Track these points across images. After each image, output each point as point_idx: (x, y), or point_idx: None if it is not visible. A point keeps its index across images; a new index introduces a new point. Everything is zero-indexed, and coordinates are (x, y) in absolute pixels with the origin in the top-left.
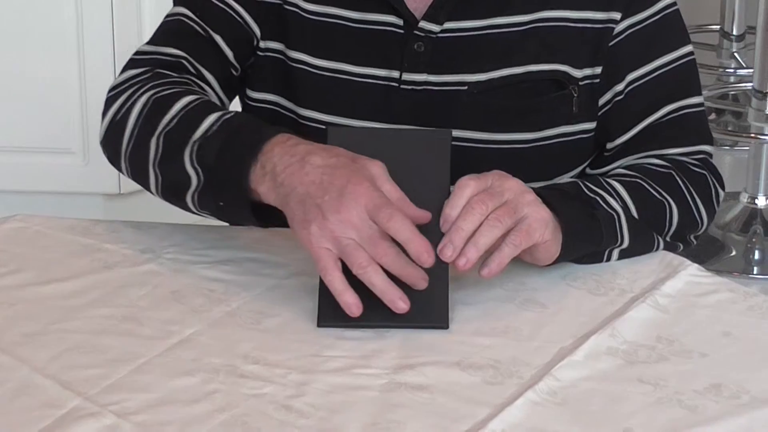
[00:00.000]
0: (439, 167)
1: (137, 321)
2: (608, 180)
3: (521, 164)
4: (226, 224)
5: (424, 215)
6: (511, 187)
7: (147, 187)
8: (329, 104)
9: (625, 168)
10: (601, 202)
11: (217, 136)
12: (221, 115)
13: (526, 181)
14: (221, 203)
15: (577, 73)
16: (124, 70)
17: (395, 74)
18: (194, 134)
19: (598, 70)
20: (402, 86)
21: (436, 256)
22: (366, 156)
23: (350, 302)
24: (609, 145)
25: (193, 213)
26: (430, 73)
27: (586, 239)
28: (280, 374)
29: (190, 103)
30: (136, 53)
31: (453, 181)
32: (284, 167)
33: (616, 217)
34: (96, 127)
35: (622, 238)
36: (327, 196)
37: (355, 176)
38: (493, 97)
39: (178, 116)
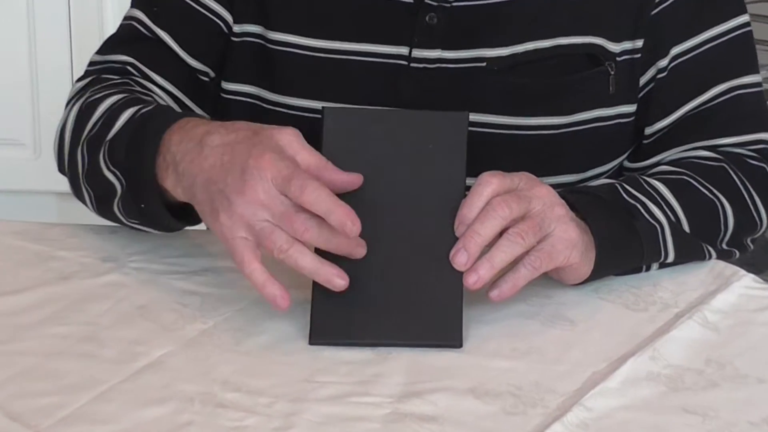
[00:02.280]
0: (454, 157)
1: (98, 341)
2: (650, 181)
3: (549, 154)
4: (202, 228)
5: (352, 179)
6: (540, 195)
7: (86, 206)
8: (323, 90)
9: (669, 164)
10: (641, 210)
11: (126, 130)
12: (139, 108)
13: (554, 173)
14: (142, 205)
15: (615, 47)
16: (76, 81)
17: (404, 51)
18: (109, 134)
19: (639, 43)
20: (412, 65)
21: (448, 265)
22: (369, 142)
23: (276, 294)
24: (648, 130)
25: (127, 226)
26: (444, 48)
27: (623, 257)
28: (264, 403)
29: (115, 102)
30: (89, 64)
31: (470, 173)
32: (183, 155)
33: (659, 228)
34: (48, 118)
35: (665, 252)
36: (229, 177)
37: (256, 149)
38: (516, 75)
39: (101, 119)
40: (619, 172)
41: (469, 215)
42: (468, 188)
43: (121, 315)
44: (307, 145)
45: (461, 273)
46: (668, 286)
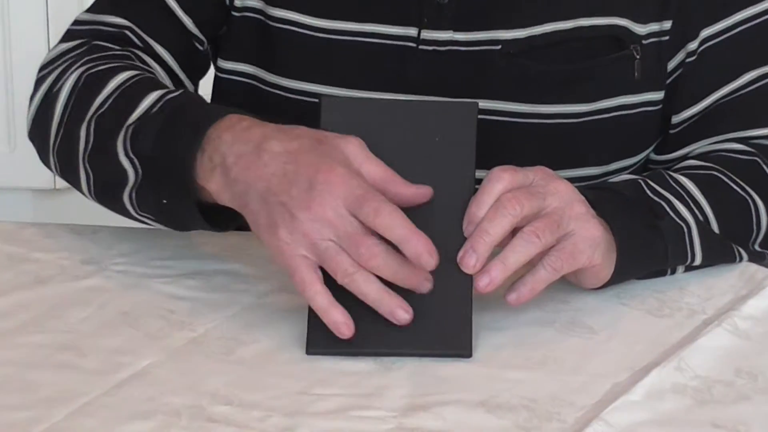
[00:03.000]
0: (463, 150)
1: (77, 350)
2: (676, 177)
3: (569, 145)
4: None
5: (422, 192)
6: (558, 190)
7: (78, 188)
8: (324, 73)
9: (697, 157)
10: (667, 208)
11: (155, 118)
12: (164, 93)
13: (574, 166)
14: (164, 201)
15: (641, 29)
16: (58, 43)
17: (412, 32)
18: (129, 117)
19: (667, 24)
20: (421, 47)
21: (457, 268)
22: (370, 135)
23: (339, 321)
24: (675, 119)
25: (134, 218)
26: (455, 29)
27: (646, 259)
28: (257, 418)
29: (128, 80)
30: (74, 23)
31: (482, 166)
32: (236, 158)
33: (685, 229)
34: (24, 107)
35: (692, 255)
36: (294, 190)
37: (325, 162)
38: (533, 59)
39: (112, 96)
40: (644, 166)
41: (478, 213)
42: (479, 183)
43: (102, 322)
44: (373, 157)
45: (470, 277)
46: (696, 290)
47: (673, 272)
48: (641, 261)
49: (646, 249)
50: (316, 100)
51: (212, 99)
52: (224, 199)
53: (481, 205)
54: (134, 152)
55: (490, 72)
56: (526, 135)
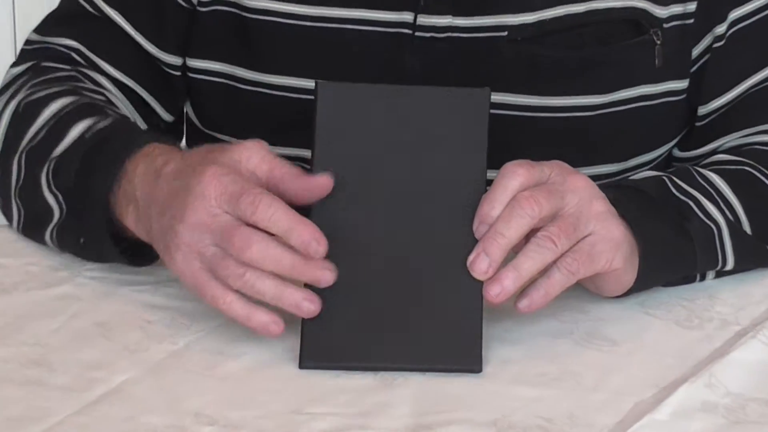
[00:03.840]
0: (474, 142)
1: (47, 365)
2: (704, 172)
3: (584, 140)
4: None
5: (320, 182)
6: (576, 186)
7: (11, 224)
8: (310, 66)
9: (727, 152)
10: (695, 208)
11: (77, 151)
12: (93, 123)
13: (590, 163)
14: (82, 240)
15: (662, 12)
16: (11, 66)
17: (408, 17)
18: (55, 150)
19: (692, 6)
20: (417, 34)
21: (466, 274)
22: (371, 125)
23: (265, 321)
24: (702, 110)
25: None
26: (456, 14)
27: (672, 264)
28: None
29: (62, 108)
30: (25, 42)
31: (490, 164)
32: (142, 191)
33: (715, 230)
34: None
35: (723, 258)
36: (174, 204)
37: (201, 165)
38: (543, 46)
39: (45, 127)
40: (667, 163)
41: (491, 213)
42: (490, 182)
43: (74, 334)
44: (270, 156)
45: (481, 283)
46: (728, 299)
47: (703, 278)
48: (667, 267)
49: (672, 253)
50: (305, 96)
51: (190, 103)
52: (140, 234)
53: (495, 204)
54: (56, 186)
55: (496, 61)
56: (535, 130)
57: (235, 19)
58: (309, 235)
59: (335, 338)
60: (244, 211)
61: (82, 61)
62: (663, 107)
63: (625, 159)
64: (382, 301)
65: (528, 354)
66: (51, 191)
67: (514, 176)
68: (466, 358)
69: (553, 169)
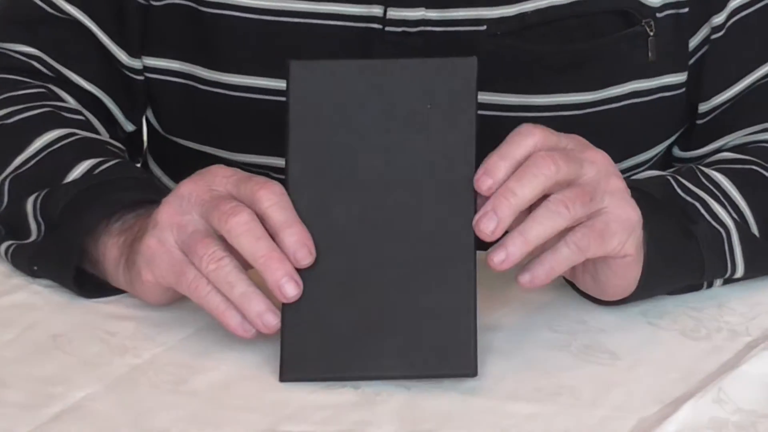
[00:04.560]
0: (461, 118)
1: (1, 381)
2: (708, 172)
3: None
4: None
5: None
6: (595, 160)
7: None
8: (273, 64)
9: (731, 150)
10: (701, 209)
11: (71, 190)
12: (98, 163)
13: None
14: (35, 267)
15: (654, 0)
16: None
17: (376, 11)
18: (50, 185)
19: None
20: (387, 29)
21: (458, 268)
22: (349, 104)
23: (260, 310)
24: (702, 107)
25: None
26: (429, 6)
27: (679, 271)
28: None
29: (58, 140)
30: None
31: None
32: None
33: (724, 235)
34: None
35: (733, 265)
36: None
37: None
38: (526, 41)
39: (36, 158)
40: (664, 162)
41: (499, 164)
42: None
43: (29, 346)
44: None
45: (473, 283)
46: (737, 308)
47: (710, 286)
48: (673, 273)
49: (679, 259)
50: (267, 98)
51: (150, 107)
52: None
53: (506, 157)
54: (42, 215)
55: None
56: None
57: (191, 13)
58: (303, 239)
59: (318, 347)
60: (244, 193)
61: (47, 72)
62: (658, 103)
63: (619, 160)
64: (367, 303)
65: (522, 367)
66: (36, 219)
67: (531, 134)
68: (459, 362)
69: (571, 141)
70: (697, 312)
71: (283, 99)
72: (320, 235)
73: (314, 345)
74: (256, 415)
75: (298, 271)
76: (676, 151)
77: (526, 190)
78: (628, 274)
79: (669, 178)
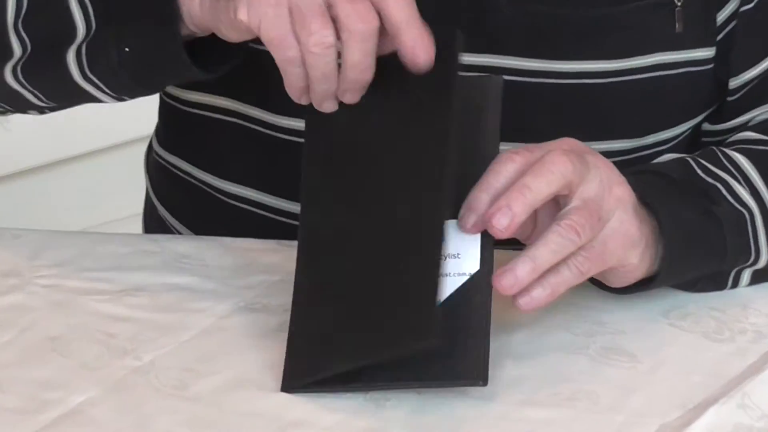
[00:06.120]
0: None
1: None
2: (729, 153)
3: (592, 111)
4: (137, 232)
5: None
6: (597, 163)
7: (2, 74)
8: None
9: (754, 128)
10: (723, 191)
11: None
12: None
13: (601, 138)
14: (126, 49)
15: None
16: None
17: None
18: None
19: None
20: None
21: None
22: (367, 120)
23: (329, 107)
24: (733, 83)
25: (73, 91)
26: None
27: (700, 254)
28: None
29: None
30: None
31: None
32: None
33: (747, 217)
34: None
35: (757, 250)
36: None
37: None
38: (548, 3)
39: None
40: (691, 142)
41: (481, 198)
42: None
43: (26, 349)
44: None
45: (489, 288)
46: (762, 308)
47: (736, 284)
48: (694, 257)
49: (700, 242)
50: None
51: (165, 136)
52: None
53: (487, 189)
54: None
55: (493, 19)
56: (538, 98)
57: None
58: (426, 39)
59: (324, 356)
60: None
61: None
62: (684, 78)
63: (642, 135)
64: (375, 311)
65: (538, 371)
66: (80, 3)
67: (510, 161)
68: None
69: (563, 146)
70: (721, 313)
71: None
72: (332, 245)
73: (320, 354)
74: (261, 421)
75: (307, 283)
76: (706, 126)
77: (543, 186)
78: (628, 277)
79: (689, 159)
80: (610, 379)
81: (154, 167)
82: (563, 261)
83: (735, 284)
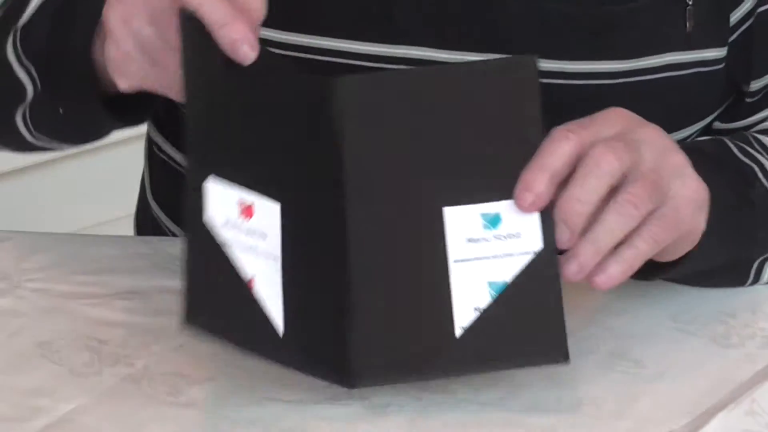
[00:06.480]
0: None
1: None
2: (762, 139)
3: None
4: (128, 234)
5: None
6: (648, 136)
7: None
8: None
9: None
10: (759, 172)
11: (45, 10)
12: None
13: None
14: (60, 110)
15: None
16: None
17: None
18: (20, 18)
19: None
20: None
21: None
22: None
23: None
24: (754, 85)
25: (29, 148)
26: None
27: (731, 237)
28: None
29: None
30: None
31: None
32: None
33: None
34: None
35: None
36: None
37: None
38: (556, 1)
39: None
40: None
41: (538, 178)
42: None
43: (14, 355)
44: None
45: (556, 265)
46: None
47: (757, 278)
48: (726, 238)
49: (734, 221)
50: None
51: None
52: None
53: (544, 169)
54: (26, 55)
55: (499, 16)
56: (547, 99)
57: None
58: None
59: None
60: None
61: None
62: (694, 78)
63: None
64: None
65: (540, 376)
66: (22, 65)
67: (565, 139)
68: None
69: (615, 123)
70: (729, 317)
71: None
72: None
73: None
74: (257, 428)
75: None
76: (717, 124)
77: (592, 195)
78: (687, 247)
79: (725, 140)
80: (615, 385)
81: (155, 162)
82: (636, 232)
83: (756, 278)
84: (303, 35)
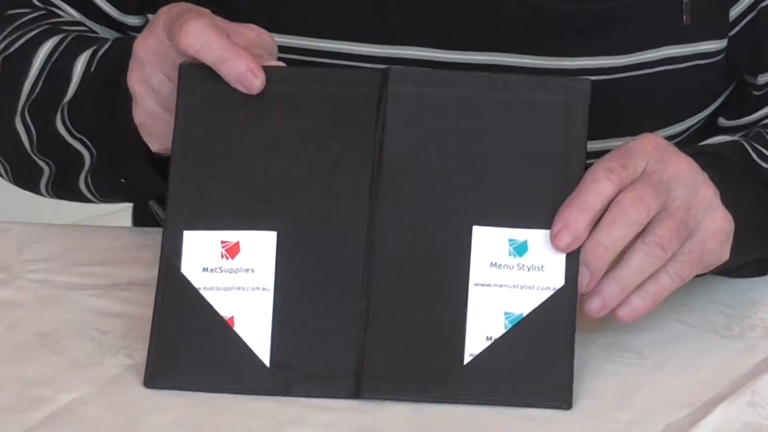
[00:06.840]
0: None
1: None
2: None
3: (599, 109)
4: (127, 225)
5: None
6: (680, 172)
7: (36, 187)
8: (289, 21)
9: None
10: None
11: (89, 88)
12: (94, 50)
13: (607, 136)
14: (122, 180)
15: None
16: None
17: None
18: (65, 95)
19: None
20: None
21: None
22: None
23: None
24: (761, 78)
25: (99, 201)
26: None
27: (755, 243)
28: None
29: (54, 48)
30: None
31: None
32: None
33: None
34: None
35: None
36: None
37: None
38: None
39: (43, 75)
40: (702, 132)
41: (580, 219)
42: None
43: (14, 346)
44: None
45: (572, 313)
46: None
47: None
48: (748, 245)
49: (756, 229)
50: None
51: None
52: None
53: (585, 210)
54: (79, 131)
55: (494, 15)
56: None
57: None
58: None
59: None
60: (174, 35)
61: (39, 3)
62: (692, 71)
63: (650, 131)
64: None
65: None
66: (75, 137)
67: (607, 180)
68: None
69: (649, 157)
70: (730, 308)
71: None
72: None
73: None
74: (256, 419)
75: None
76: (724, 122)
77: (617, 242)
78: (715, 267)
79: (742, 142)
80: (615, 376)
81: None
82: (662, 268)
83: None
84: (300, 37)
